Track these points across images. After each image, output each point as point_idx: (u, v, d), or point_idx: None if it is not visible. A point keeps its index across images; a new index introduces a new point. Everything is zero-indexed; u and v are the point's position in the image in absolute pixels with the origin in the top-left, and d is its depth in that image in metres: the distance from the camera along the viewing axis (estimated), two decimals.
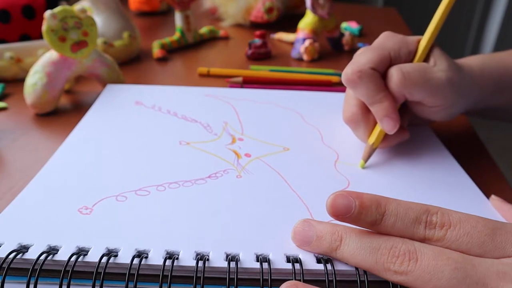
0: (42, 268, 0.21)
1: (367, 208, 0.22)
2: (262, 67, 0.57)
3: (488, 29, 2.03)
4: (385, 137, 0.34)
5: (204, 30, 0.68)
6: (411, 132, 0.38)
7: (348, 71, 0.32)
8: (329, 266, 0.22)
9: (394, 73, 0.32)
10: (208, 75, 0.55)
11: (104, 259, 0.22)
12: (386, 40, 0.34)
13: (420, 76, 0.32)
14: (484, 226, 0.21)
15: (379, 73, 0.32)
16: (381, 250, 0.21)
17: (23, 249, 0.22)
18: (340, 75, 0.53)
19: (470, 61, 0.37)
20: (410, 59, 0.34)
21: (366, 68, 0.32)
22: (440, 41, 0.38)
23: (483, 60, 0.38)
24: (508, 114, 0.41)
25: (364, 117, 0.34)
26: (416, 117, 0.37)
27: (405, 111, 0.36)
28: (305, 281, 0.21)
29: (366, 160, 0.33)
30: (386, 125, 0.32)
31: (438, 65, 0.33)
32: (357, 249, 0.21)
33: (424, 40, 0.34)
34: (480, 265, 0.20)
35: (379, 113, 0.32)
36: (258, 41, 0.60)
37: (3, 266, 0.21)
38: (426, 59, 0.34)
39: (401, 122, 0.34)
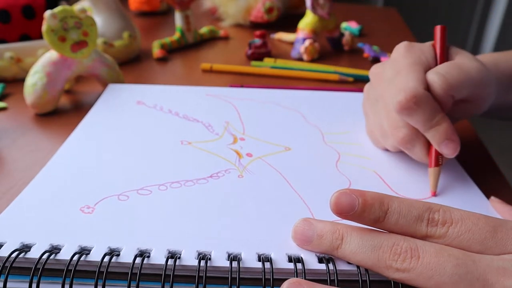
0: (45, 267, 0.21)
1: (370, 205, 0.22)
2: (263, 63, 0.57)
3: (488, 29, 2.03)
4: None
5: (204, 30, 0.68)
6: None
7: (402, 99, 0.29)
8: (331, 266, 0.22)
9: (435, 77, 0.29)
10: (210, 71, 0.55)
11: (106, 259, 0.22)
12: (413, 53, 0.32)
13: (460, 71, 0.30)
14: (485, 223, 0.21)
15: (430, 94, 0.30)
16: (382, 248, 0.21)
17: (26, 248, 0.22)
18: (340, 74, 0.53)
19: (481, 57, 0.37)
20: (435, 65, 0.32)
21: (420, 91, 0.29)
22: None
23: (494, 56, 0.38)
24: None
25: (418, 135, 0.31)
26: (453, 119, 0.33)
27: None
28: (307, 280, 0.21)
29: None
30: (446, 149, 0.30)
31: (463, 59, 0.31)
32: (358, 247, 0.21)
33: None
34: (481, 261, 0.20)
35: (437, 137, 0.29)
36: (258, 41, 0.60)
37: (6, 265, 0.21)
38: (448, 58, 0.32)
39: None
